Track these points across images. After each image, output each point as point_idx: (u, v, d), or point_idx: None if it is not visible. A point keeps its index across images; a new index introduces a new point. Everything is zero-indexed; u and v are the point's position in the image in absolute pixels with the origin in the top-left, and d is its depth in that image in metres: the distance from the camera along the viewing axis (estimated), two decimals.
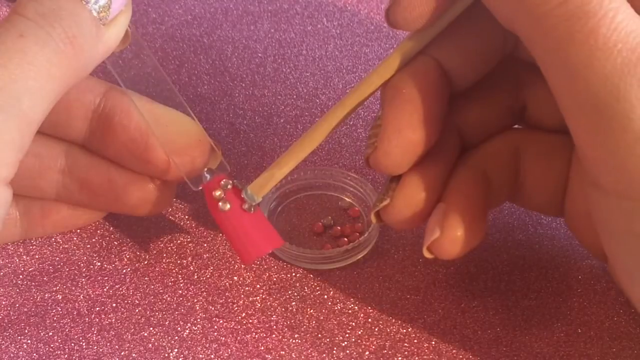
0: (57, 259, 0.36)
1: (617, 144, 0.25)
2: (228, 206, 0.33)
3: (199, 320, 0.34)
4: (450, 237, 0.31)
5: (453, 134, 0.33)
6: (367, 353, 0.33)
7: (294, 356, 0.33)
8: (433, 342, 0.33)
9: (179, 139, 0.33)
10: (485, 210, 0.32)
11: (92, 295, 0.35)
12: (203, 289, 0.35)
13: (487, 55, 0.32)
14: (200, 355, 0.33)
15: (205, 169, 0.34)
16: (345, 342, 0.33)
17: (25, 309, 0.34)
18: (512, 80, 0.33)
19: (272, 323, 0.34)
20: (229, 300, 0.35)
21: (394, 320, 0.34)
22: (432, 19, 0.30)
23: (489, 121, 0.34)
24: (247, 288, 0.35)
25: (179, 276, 0.36)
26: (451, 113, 0.33)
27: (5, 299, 0.34)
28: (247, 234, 0.33)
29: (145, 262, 0.36)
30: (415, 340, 0.34)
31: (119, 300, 0.35)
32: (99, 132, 0.34)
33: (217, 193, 0.33)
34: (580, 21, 0.25)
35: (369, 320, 0.34)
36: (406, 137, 0.30)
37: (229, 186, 0.33)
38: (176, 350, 0.33)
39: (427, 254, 0.31)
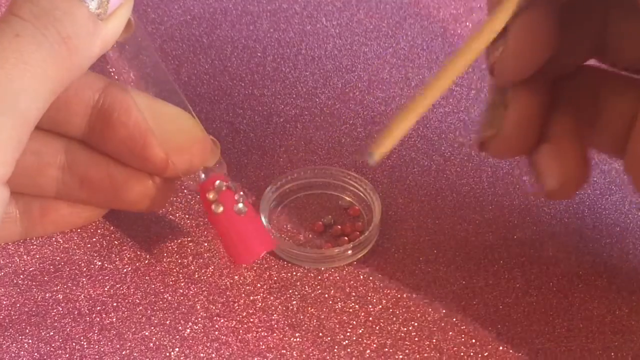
0: (58, 258, 0.36)
1: None
2: (221, 208, 0.33)
3: (199, 319, 0.34)
4: (568, 184, 0.32)
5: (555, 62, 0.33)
6: (368, 351, 0.33)
7: (295, 355, 0.33)
8: (434, 340, 0.33)
9: (178, 137, 0.33)
10: (586, 147, 0.33)
11: (92, 295, 0.35)
12: (204, 288, 0.35)
13: None
14: (202, 354, 0.33)
15: (202, 168, 0.34)
16: (347, 341, 0.33)
17: (26, 309, 0.34)
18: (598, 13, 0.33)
19: (273, 322, 0.34)
20: (230, 299, 0.35)
21: (394, 319, 0.34)
22: None
23: (570, 52, 0.34)
24: (247, 287, 0.35)
25: (180, 275, 0.36)
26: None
27: (6, 299, 0.34)
28: (239, 237, 0.33)
29: (146, 262, 0.36)
30: (416, 339, 0.34)
31: (119, 300, 0.35)
32: (98, 128, 0.34)
33: (211, 195, 0.33)
34: None
35: (370, 318, 0.34)
36: (534, 38, 0.31)
37: (223, 188, 0.33)
38: (177, 349, 0.33)
39: (550, 198, 0.34)
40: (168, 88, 0.34)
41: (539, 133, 0.33)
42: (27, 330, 0.33)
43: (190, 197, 0.39)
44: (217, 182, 0.33)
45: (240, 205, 0.33)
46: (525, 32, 0.31)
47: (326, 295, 0.35)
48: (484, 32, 0.31)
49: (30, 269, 0.36)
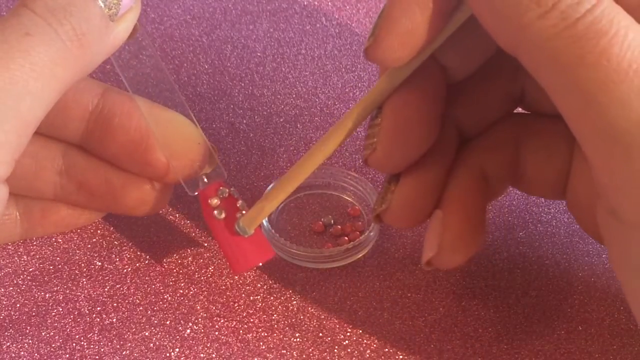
0: (58, 258, 0.36)
1: (638, 173, 0.24)
2: (223, 215, 0.33)
3: (200, 319, 0.34)
4: (449, 253, 0.31)
5: (451, 128, 0.32)
6: (368, 352, 0.33)
7: (296, 355, 0.33)
8: (434, 341, 0.34)
9: (178, 142, 0.33)
10: (484, 213, 0.32)
11: (93, 295, 0.35)
12: (204, 289, 0.35)
13: (483, 47, 0.31)
14: (202, 355, 0.33)
15: (203, 174, 0.34)
16: (347, 341, 0.33)
17: (26, 309, 0.34)
18: (509, 66, 0.32)
19: (273, 322, 0.34)
20: (230, 299, 0.35)
21: (395, 319, 0.34)
22: (413, 55, 0.28)
23: (487, 111, 0.33)
24: (248, 287, 0.35)
25: (180, 275, 0.36)
26: (448, 106, 0.32)
27: (6, 299, 0.34)
28: (239, 244, 0.33)
29: (146, 262, 0.36)
30: (417, 339, 0.34)
31: (119, 300, 0.35)
32: (97, 133, 0.33)
33: (214, 201, 0.33)
34: (591, 42, 0.23)
35: (370, 319, 0.34)
36: (406, 139, 0.30)
37: (226, 194, 0.33)
38: (177, 349, 0.33)
39: (426, 267, 0.31)
40: (168, 89, 0.34)
41: (432, 203, 0.32)
42: (27, 331, 0.33)
43: (190, 198, 0.39)
44: (220, 188, 0.33)
45: (243, 212, 0.33)
46: (395, 133, 0.30)
47: (326, 295, 0.35)
48: (340, 126, 0.31)
49: (30, 269, 0.36)
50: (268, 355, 0.33)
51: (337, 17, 0.49)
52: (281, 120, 0.43)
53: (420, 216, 0.32)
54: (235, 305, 0.35)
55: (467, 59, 0.31)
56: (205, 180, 0.34)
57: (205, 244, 0.37)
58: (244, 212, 0.33)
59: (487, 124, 0.33)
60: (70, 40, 0.28)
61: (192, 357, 0.33)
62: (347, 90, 0.44)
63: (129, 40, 0.31)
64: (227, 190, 0.33)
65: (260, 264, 0.34)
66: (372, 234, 0.37)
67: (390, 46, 0.28)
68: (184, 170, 0.33)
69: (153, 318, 0.34)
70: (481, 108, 0.33)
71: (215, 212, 0.33)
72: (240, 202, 0.33)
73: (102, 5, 0.29)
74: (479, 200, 0.32)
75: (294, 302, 0.35)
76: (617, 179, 0.24)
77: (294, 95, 0.44)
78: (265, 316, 0.34)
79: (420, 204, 0.31)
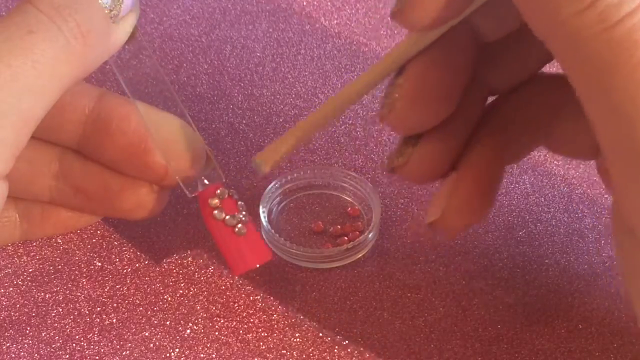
0: (58, 259, 0.36)
1: None
2: (223, 215, 0.33)
3: (200, 319, 0.34)
4: (453, 218, 0.30)
5: (479, 88, 0.31)
6: (368, 352, 0.33)
7: (296, 355, 0.33)
8: (434, 341, 0.33)
9: (176, 144, 0.33)
10: (498, 182, 0.31)
11: (92, 296, 0.35)
12: (204, 289, 0.35)
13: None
14: (202, 355, 0.33)
15: (203, 175, 0.34)
16: (347, 341, 0.33)
17: (26, 310, 0.34)
18: None
19: (273, 322, 0.34)
20: (230, 299, 0.35)
21: (395, 319, 0.34)
22: (441, 23, 0.27)
23: (520, 70, 0.31)
24: (247, 287, 0.35)
25: (180, 276, 0.36)
26: (480, 64, 0.30)
27: (6, 300, 0.34)
28: (237, 246, 0.33)
29: (146, 262, 0.36)
30: (417, 339, 0.34)
31: (119, 301, 0.35)
32: (95, 136, 0.33)
33: (214, 201, 0.33)
34: (628, 51, 0.21)
35: (370, 319, 0.34)
36: (427, 104, 0.29)
37: (226, 195, 0.33)
38: (177, 350, 0.33)
39: (429, 229, 0.31)
40: (165, 89, 0.34)
41: (451, 162, 0.31)
42: (27, 331, 0.33)
43: (189, 198, 0.39)
44: (220, 189, 0.33)
45: (243, 213, 0.33)
46: (416, 96, 0.28)
47: (326, 295, 0.35)
48: (382, 63, 0.29)
49: (30, 270, 0.36)
50: (268, 355, 0.33)
51: (336, 17, 0.49)
52: (281, 120, 0.43)
53: (436, 175, 0.31)
54: (235, 305, 0.35)
55: (502, 22, 0.29)
56: (206, 182, 0.34)
57: (205, 244, 0.37)
58: (244, 212, 0.33)
59: (519, 82, 0.32)
60: (75, 37, 0.28)
61: (192, 358, 0.33)
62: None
63: (128, 43, 0.31)
64: (227, 191, 0.33)
65: (258, 265, 0.34)
66: (371, 234, 0.37)
67: (417, 14, 0.26)
68: (182, 173, 0.33)
69: (153, 318, 0.34)
70: (514, 67, 0.31)
71: (216, 212, 0.33)
72: (240, 203, 0.33)
73: (105, 6, 0.29)
74: (496, 166, 0.31)
75: (294, 302, 0.35)
76: (638, 200, 0.23)
77: (293, 96, 0.44)
78: (265, 316, 0.34)
79: (440, 163, 0.31)
